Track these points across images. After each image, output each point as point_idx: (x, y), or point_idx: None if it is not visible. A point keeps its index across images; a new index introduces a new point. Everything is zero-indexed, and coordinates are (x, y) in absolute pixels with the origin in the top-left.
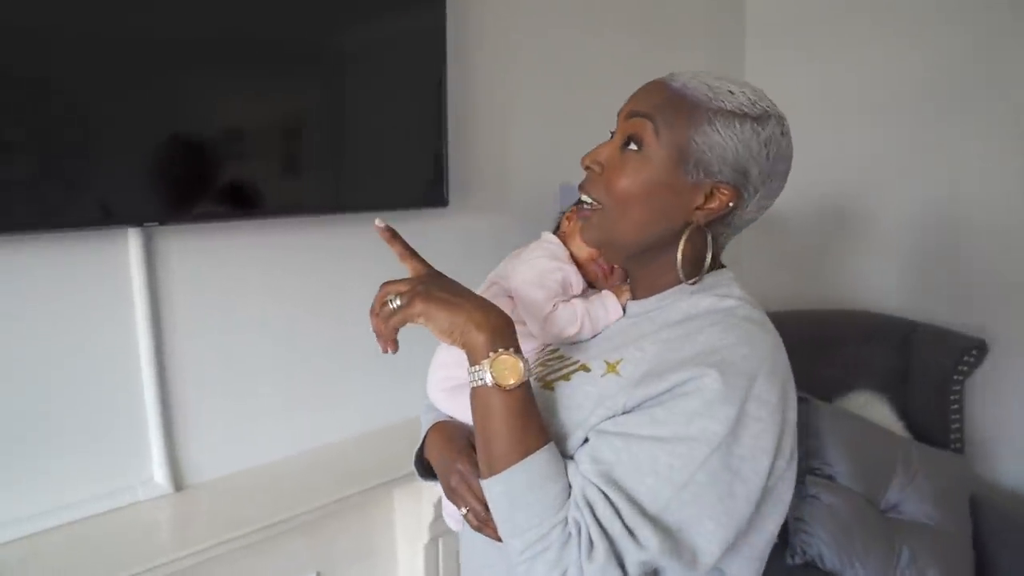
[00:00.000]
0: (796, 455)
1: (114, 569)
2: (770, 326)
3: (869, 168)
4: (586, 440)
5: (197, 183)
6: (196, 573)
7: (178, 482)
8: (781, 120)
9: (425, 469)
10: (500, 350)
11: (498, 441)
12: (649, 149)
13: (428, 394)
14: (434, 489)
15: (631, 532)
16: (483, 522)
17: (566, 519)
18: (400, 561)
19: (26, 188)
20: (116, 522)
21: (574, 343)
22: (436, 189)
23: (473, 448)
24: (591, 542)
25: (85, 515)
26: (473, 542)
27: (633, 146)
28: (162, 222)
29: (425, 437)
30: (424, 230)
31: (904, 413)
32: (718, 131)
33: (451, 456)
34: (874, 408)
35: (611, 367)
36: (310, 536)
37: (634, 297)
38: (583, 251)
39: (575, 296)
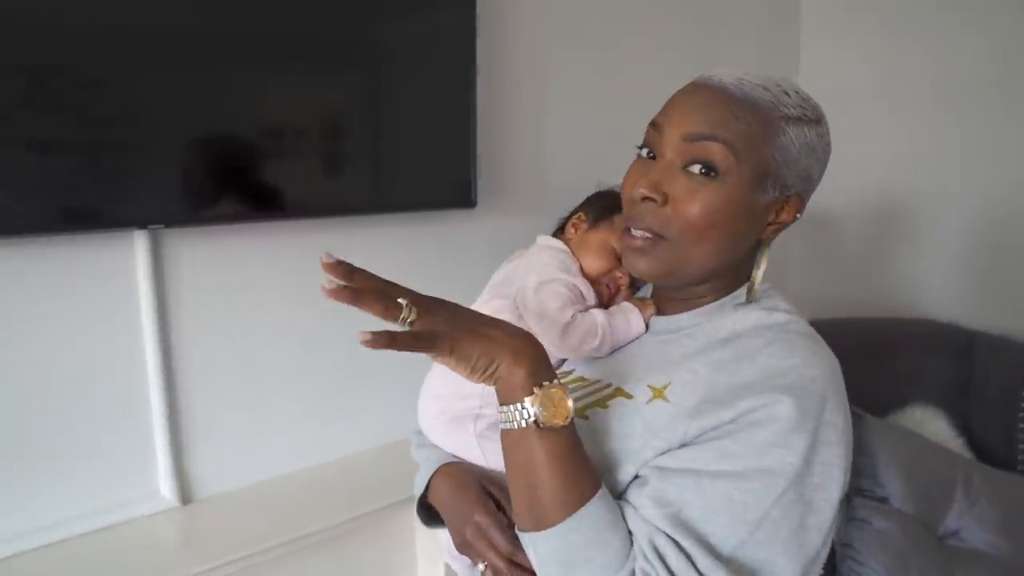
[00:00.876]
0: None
1: None
2: (824, 342)
3: (928, 166)
4: (636, 476)
5: (209, 184)
6: None
7: (185, 496)
8: (825, 119)
9: (429, 515)
10: (545, 384)
11: (545, 490)
12: (727, 176)
13: (420, 425)
14: None
15: None
16: None
17: (633, 572)
18: None
19: (28, 190)
20: (120, 537)
21: (592, 361)
22: (464, 190)
23: (488, 494)
24: None
25: (87, 530)
26: None
27: (704, 171)
28: (168, 224)
29: (431, 480)
30: (450, 232)
31: (964, 430)
32: (792, 142)
33: (465, 506)
34: (931, 424)
35: (658, 392)
36: (324, 555)
37: (663, 311)
38: (594, 265)
39: (592, 307)
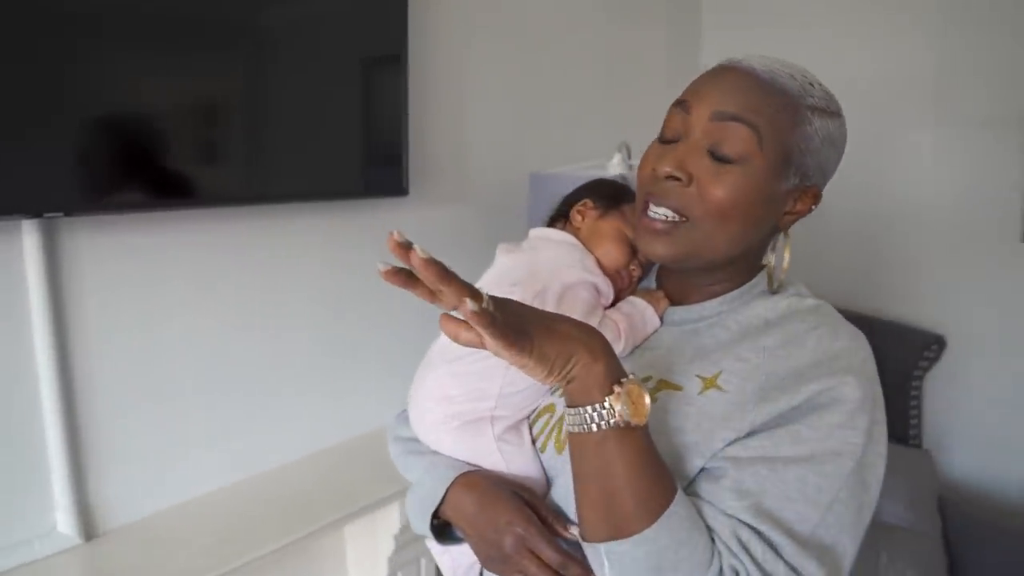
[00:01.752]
0: None
1: None
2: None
3: None
4: (701, 470)
5: (112, 168)
6: None
7: (88, 530)
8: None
9: (440, 531)
10: (624, 380)
11: (627, 495)
12: (753, 159)
13: (419, 433)
14: (392, 518)
15: (796, 570)
16: None
17: (721, 571)
18: None
19: None
20: None
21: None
22: (395, 177)
23: (524, 502)
24: None
25: None
26: None
27: (731, 155)
28: (67, 212)
29: (447, 492)
30: (380, 222)
31: None
32: (817, 132)
33: (501, 516)
34: None
35: (709, 382)
36: None
37: (681, 301)
38: (611, 258)
39: (608, 309)
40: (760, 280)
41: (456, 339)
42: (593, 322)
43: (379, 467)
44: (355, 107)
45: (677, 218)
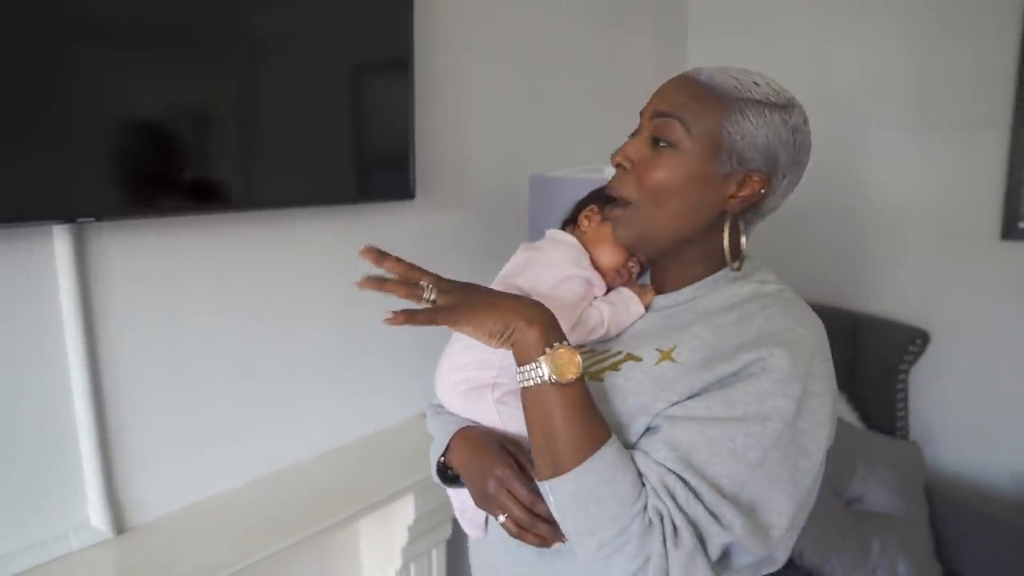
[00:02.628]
0: None
1: None
2: (811, 309)
3: (810, 161)
4: (648, 428)
5: (141, 173)
6: None
7: (119, 524)
8: (802, 110)
9: (445, 475)
10: (556, 344)
11: (561, 439)
12: (682, 144)
13: (440, 397)
14: (407, 510)
15: (714, 516)
16: (526, 528)
17: (644, 509)
18: None
19: None
20: None
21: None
22: (402, 181)
23: (508, 451)
24: (675, 529)
25: (10, 573)
26: (494, 551)
27: (663, 143)
28: (98, 217)
29: (449, 443)
30: (387, 226)
31: (855, 404)
32: (749, 119)
33: (486, 462)
34: None
35: (665, 354)
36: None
37: (663, 290)
38: (609, 259)
39: (597, 298)
40: (727, 270)
41: (407, 323)
42: (576, 313)
43: (392, 463)
44: (366, 113)
45: (624, 201)
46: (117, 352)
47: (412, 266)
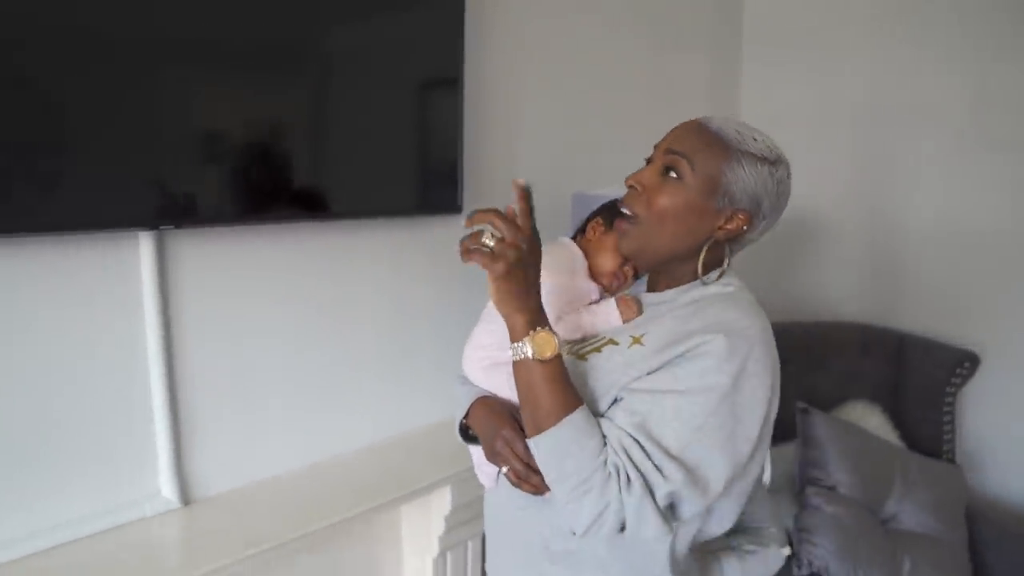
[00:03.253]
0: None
1: None
2: (760, 308)
3: (861, 180)
4: (615, 400)
5: (212, 187)
6: None
7: (186, 496)
8: (788, 165)
9: (465, 435)
10: (538, 329)
11: (542, 404)
12: (686, 179)
13: (465, 371)
14: (444, 500)
15: (659, 469)
16: (522, 478)
17: (605, 463)
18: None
19: (34, 189)
20: (121, 539)
21: None
22: (449, 195)
23: (515, 419)
24: (628, 479)
25: (89, 532)
26: (501, 497)
27: (673, 175)
28: (177, 225)
29: (470, 408)
30: (436, 238)
31: (898, 423)
32: (744, 168)
33: (496, 423)
34: (871, 418)
35: (636, 340)
36: (317, 553)
37: (654, 290)
38: (607, 264)
39: (594, 300)
40: (708, 277)
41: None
42: (562, 312)
43: (434, 457)
44: (420, 130)
45: (632, 216)
46: (190, 344)
47: (529, 211)
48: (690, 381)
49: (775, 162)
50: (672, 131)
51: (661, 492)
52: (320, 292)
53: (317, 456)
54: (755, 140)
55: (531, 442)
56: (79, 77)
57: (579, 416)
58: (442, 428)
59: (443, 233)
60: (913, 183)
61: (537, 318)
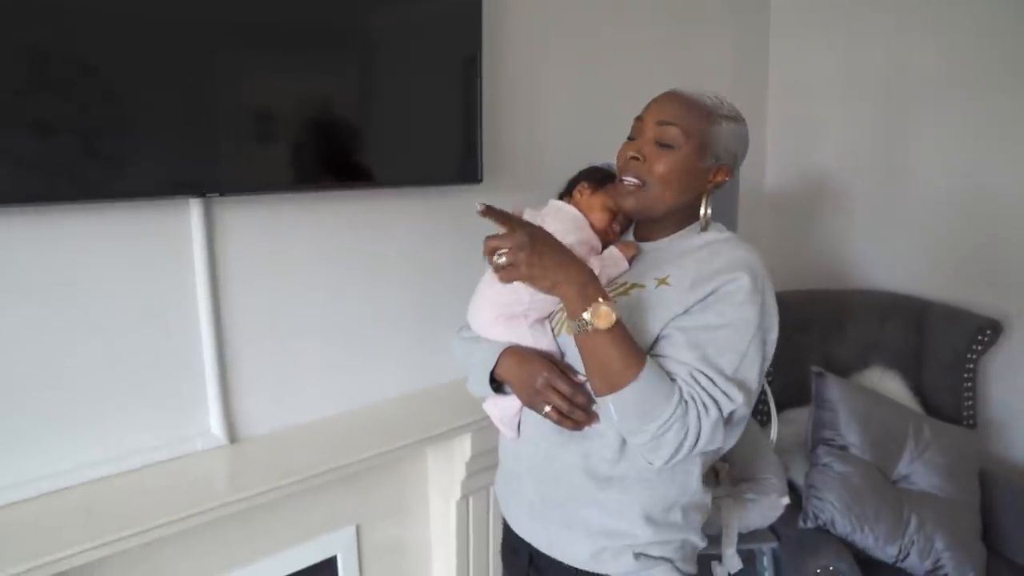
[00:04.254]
0: None
1: (171, 511)
2: (754, 246)
3: (885, 149)
4: (659, 336)
5: (253, 158)
6: (247, 518)
7: (232, 435)
8: (745, 122)
9: (496, 387)
10: (595, 304)
11: (612, 366)
12: (680, 145)
13: (476, 327)
14: (465, 448)
15: (726, 393)
16: (565, 415)
17: (681, 397)
18: (432, 517)
19: (100, 164)
20: (175, 470)
21: None
22: (470, 167)
23: (549, 359)
24: (705, 406)
25: (147, 462)
26: (530, 442)
27: (668, 143)
28: (222, 193)
29: (498, 359)
30: (459, 207)
31: (918, 390)
32: (723, 130)
33: (535, 366)
34: (888, 383)
35: (661, 281)
36: (351, 490)
37: (647, 239)
38: (601, 221)
39: (593, 258)
40: (695, 225)
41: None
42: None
43: (455, 407)
44: (442, 106)
45: (638, 183)
46: (235, 299)
47: (510, 220)
48: (732, 315)
49: (741, 120)
50: (653, 104)
51: (727, 410)
52: (354, 254)
53: (350, 403)
54: (723, 103)
55: (611, 399)
56: (137, 62)
57: (650, 368)
58: (462, 385)
59: (466, 202)
60: (939, 151)
61: (587, 288)
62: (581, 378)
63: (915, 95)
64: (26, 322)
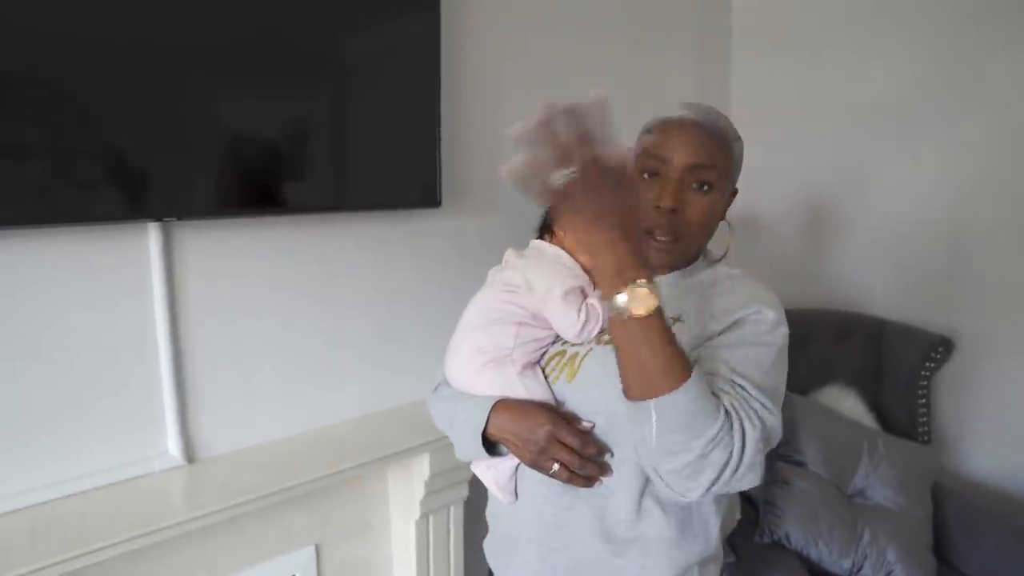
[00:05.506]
0: None
1: (127, 529)
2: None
3: (844, 171)
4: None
5: (211, 183)
6: (205, 538)
7: (190, 455)
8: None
9: (489, 448)
10: (631, 284)
11: (651, 364)
12: (717, 185)
13: (457, 382)
14: (423, 467)
15: (763, 404)
16: (576, 471)
17: (725, 411)
18: (393, 536)
19: (61, 184)
20: (132, 490)
21: None
22: (430, 190)
23: (551, 409)
24: (749, 417)
25: (106, 482)
26: (533, 507)
27: (707, 186)
28: (179, 217)
29: (489, 415)
30: (418, 230)
31: (875, 406)
32: (738, 152)
33: (533, 420)
34: (845, 401)
35: (675, 320)
36: (310, 509)
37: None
38: (589, 263)
39: (589, 297)
40: (701, 260)
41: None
42: (582, 318)
43: (414, 428)
44: (398, 130)
45: (674, 240)
46: (194, 321)
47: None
48: (757, 338)
49: (741, 140)
50: (678, 141)
51: (768, 425)
52: (314, 277)
53: (307, 425)
54: (728, 122)
55: (654, 405)
56: (96, 87)
57: (698, 371)
58: (423, 405)
59: (425, 225)
60: (896, 174)
61: (631, 272)
62: (587, 425)
63: (874, 119)
64: None
